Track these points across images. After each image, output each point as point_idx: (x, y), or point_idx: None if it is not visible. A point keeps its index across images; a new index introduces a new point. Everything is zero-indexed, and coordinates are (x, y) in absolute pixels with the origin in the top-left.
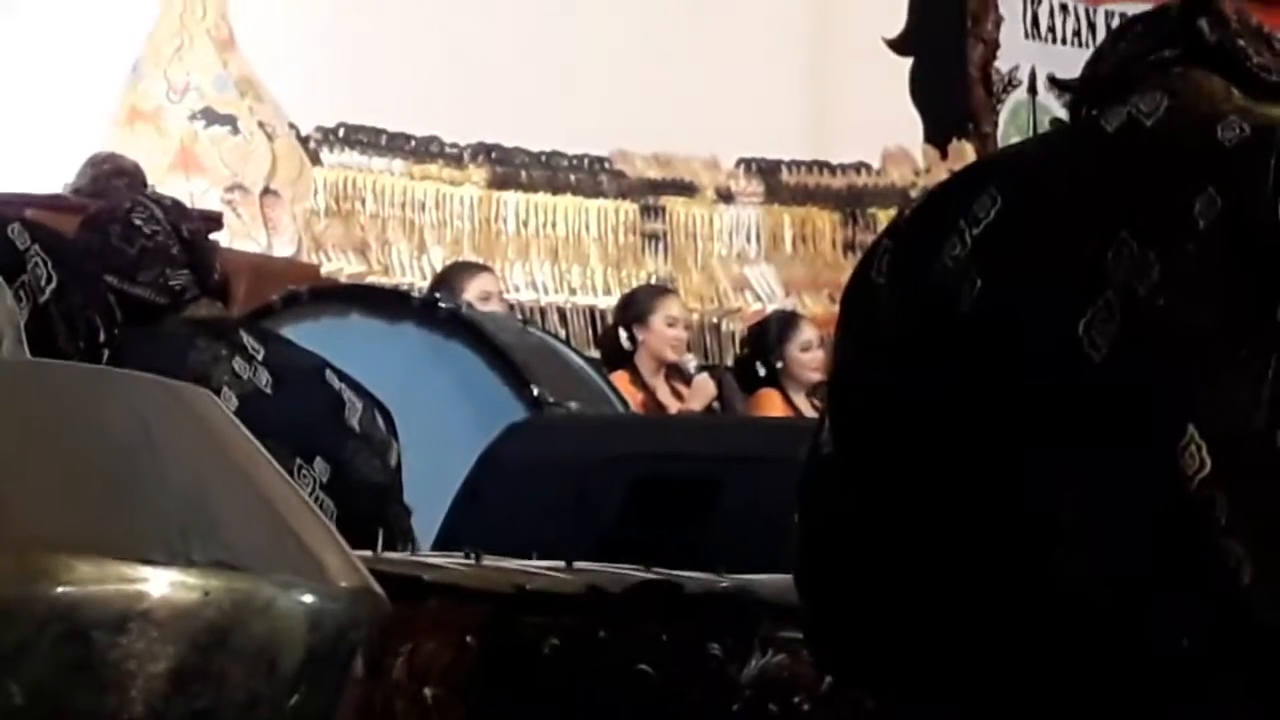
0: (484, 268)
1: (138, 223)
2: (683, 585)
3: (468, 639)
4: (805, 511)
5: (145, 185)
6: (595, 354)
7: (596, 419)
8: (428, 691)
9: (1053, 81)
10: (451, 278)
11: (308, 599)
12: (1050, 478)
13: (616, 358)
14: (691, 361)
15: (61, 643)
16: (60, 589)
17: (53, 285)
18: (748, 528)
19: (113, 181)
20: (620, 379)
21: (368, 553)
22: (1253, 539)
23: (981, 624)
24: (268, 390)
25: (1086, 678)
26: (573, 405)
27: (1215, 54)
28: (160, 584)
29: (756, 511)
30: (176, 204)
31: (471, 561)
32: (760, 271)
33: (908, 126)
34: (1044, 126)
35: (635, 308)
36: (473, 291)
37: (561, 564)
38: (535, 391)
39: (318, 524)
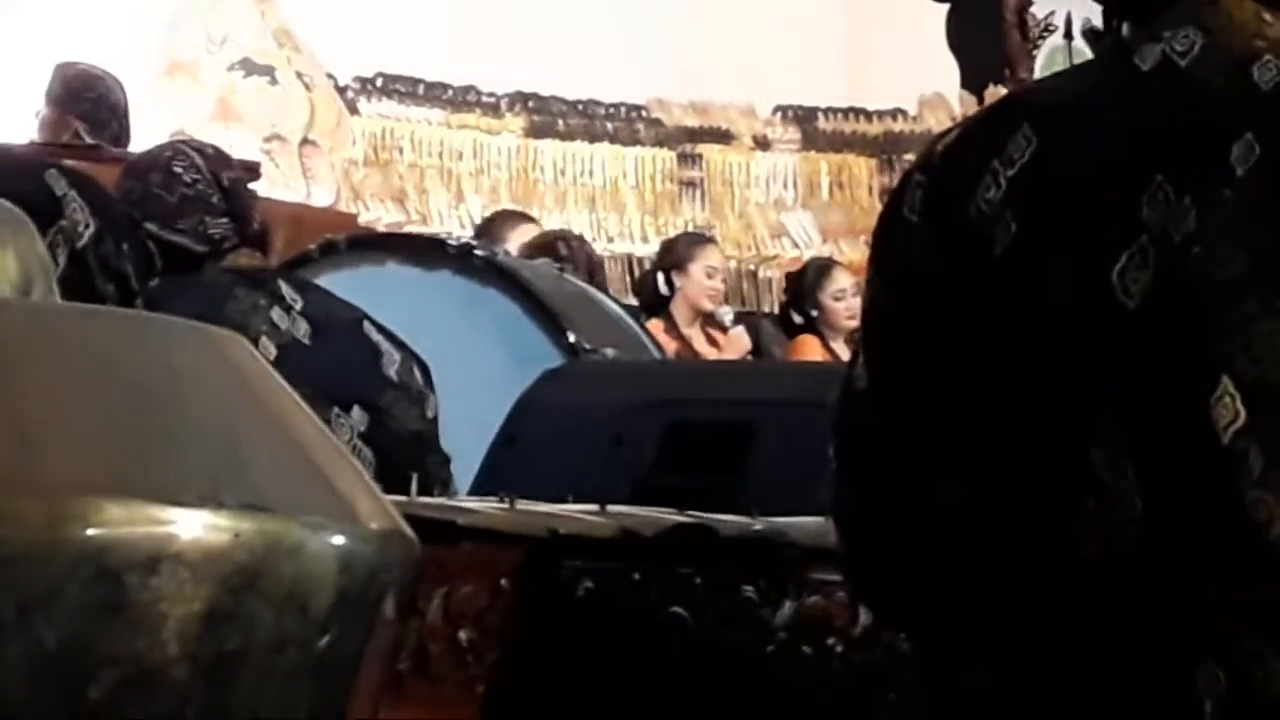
0: (528, 217)
1: (178, 170)
2: (716, 528)
3: (502, 582)
4: (840, 445)
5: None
6: (633, 301)
7: (632, 365)
8: (463, 635)
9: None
10: (494, 227)
11: (338, 541)
12: (1083, 426)
13: (653, 303)
14: (728, 313)
15: (92, 585)
16: (91, 531)
17: (90, 231)
18: (783, 472)
19: (84, 95)
20: (655, 327)
21: (402, 498)
22: None
23: (1013, 566)
24: (306, 340)
25: (1117, 628)
26: (609, 352)
27: None
28: (191, 526)
29: (792, 455)
30: (217, 152)
31: (506, 505)
32: (797, 218)
33: (944, 73)
34: None
35: (675, 254)
36: (515, 241)
37: (595, 507)
38: (572, 338)
39: (349, 468)
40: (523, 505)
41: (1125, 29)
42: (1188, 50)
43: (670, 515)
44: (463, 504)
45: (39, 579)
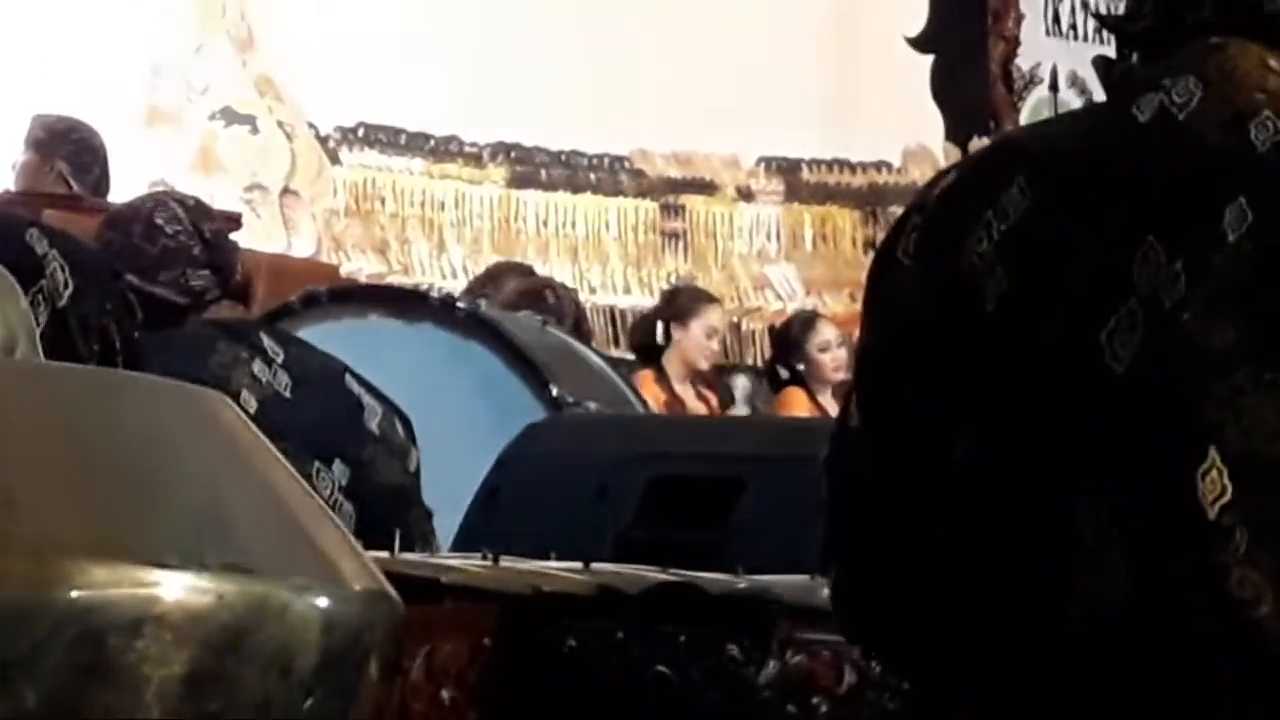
0: (528, 270)
1: (159, 222)
2: (700, 586)
3: (485, 640)
4: (832, 484)
5: (96, 150)
6: (616, 353)
7: (615, 418)
8: (445, 693)
9: (1094, 16)
10: (495, 279)
11: (322, 602)
12: (1070, 488)
13: (647, 350)
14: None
15: (76, 645)
16: (75, 592)
17: (70, 291)
18: (768, 526)
19: (67, 138)
20: (646, 378)
21: (385, 554)
22: (1272, 570)
23: (999, 618)
24: (287, 394)
25: (1098, 697)
26: (592, 405)
27: (1252, 16)
28: (174, 587)
29: (777, 510)
30: (198, 204)
31: (489, 563)
32: (781, 270)
33: (929, 124)
34: None
35: (677, 307)
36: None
37: (578, 565)
38: (554, 391)
39: (332, 527)
40: (506, 562)
41: (1134, 59)
42: (1186, 103)
43: (653, 574)
44: (446, 561)
45: (22, 639)
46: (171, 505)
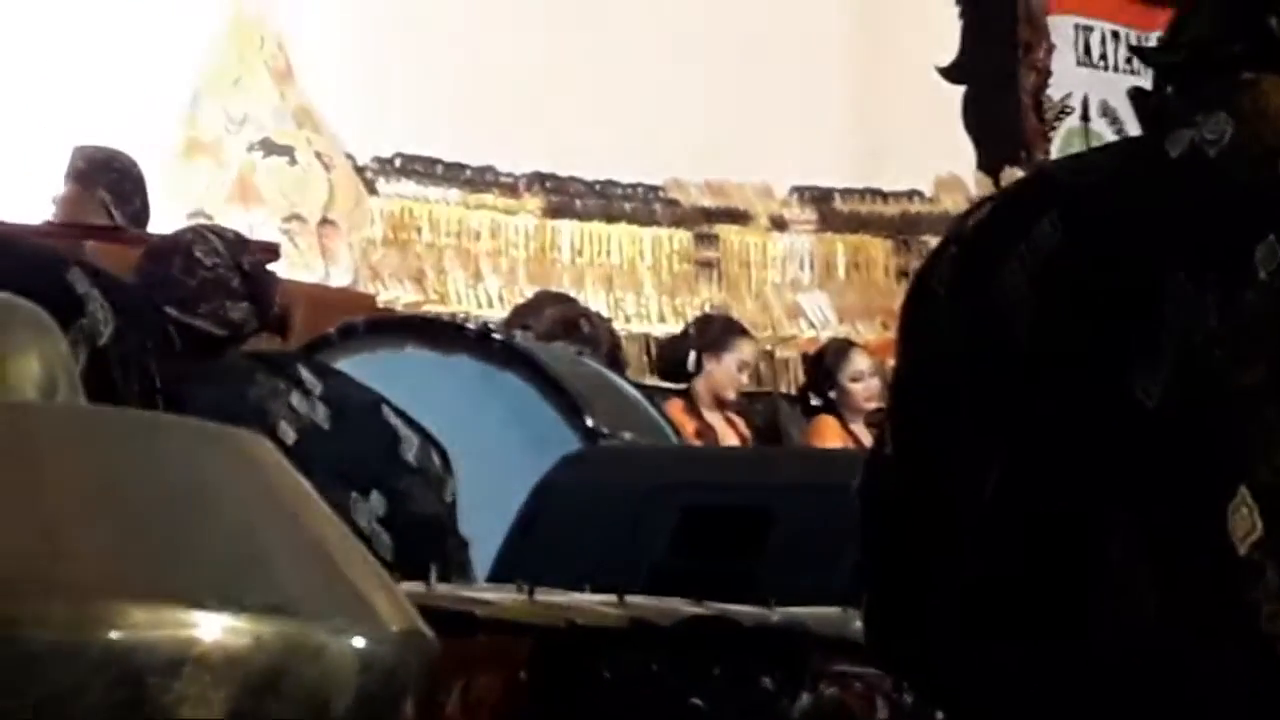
0: (567, 298)
1: (198, 255)
2: (734, 619)
3: (520, 673)
4: (866, 512)
5: (137, 180)
6: (650, 381)
7: (650, 450)
8: None
9: (1130, 49)
10: (536, 308)
11: (358, 643)
12: (1101, 522)
13: (676, 376)
14: None
15: (115, 687)
16: (115, 634)
17: (110, 329)
18: (801, 557)
19: (109, 168)
20: (675, 406)
21: (421, 587)
22: None
23: (1029, 647)
24: (325, 425)
25: None
26: (626, 435)
27: None
28: (213, 629)
29: (810, 540)
30: (237, 237)
31: (524, 596)
32: (814, 299)
33: (960, 154)
34: None
35: (712, 337)
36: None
37: (613, 597)
38: (589, 422)
39: (368, 566)
40: (541, 595)
41: (1169, 91)
42: (1217, 139)
43: (687, 606)
44: (481, 595)
45: (63, 680)
46: (210, 546)
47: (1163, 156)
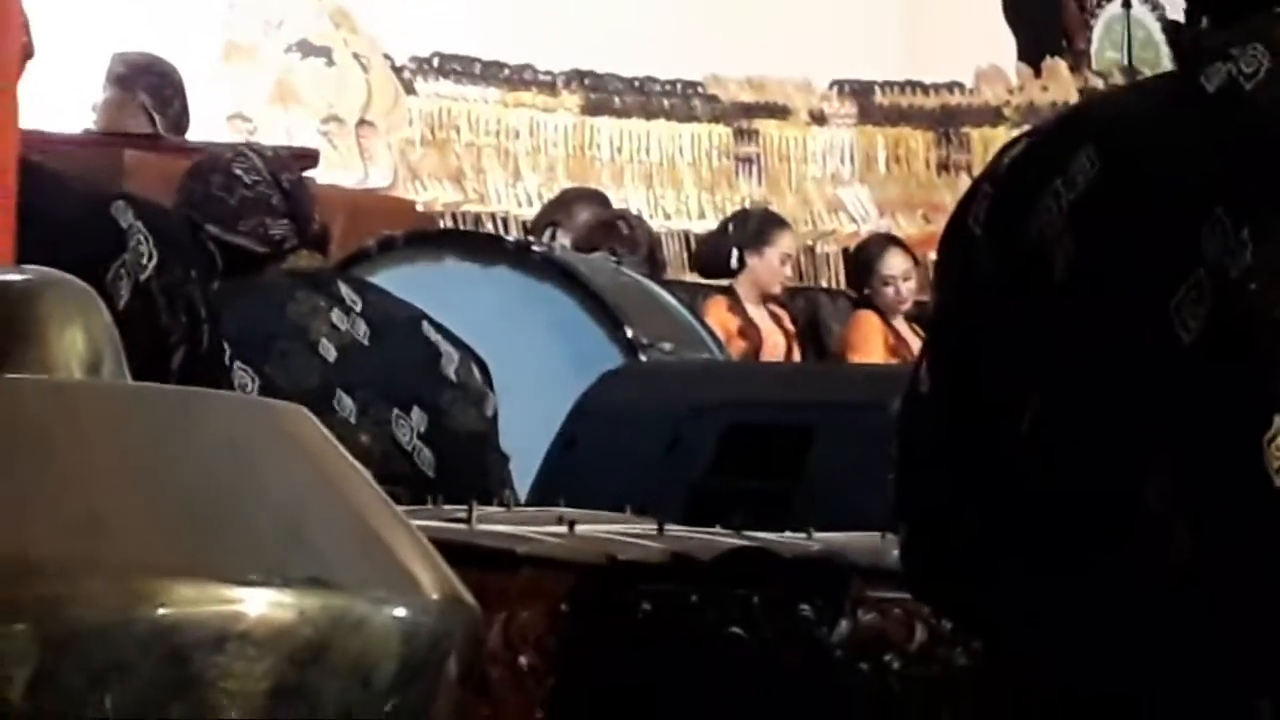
0: (601, 197)
1: (238, 172)
2: (772, 550)
3: (561, 606)
4: (903, 448)
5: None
6: (689, 278)
7: (689, 366)
8: (523, 659)
9: None
10: (567, 205)
11: (401, 613)
12: (1137, 456)
13: (717, 272)
14: None
15: (162, 664)
16: (161, 611)
17: (154, 262)
18: (842, 475)
19: (149, 72)
20: (718, 304)
21: (463, 525)
22: None
23: (1066, 581)
24: (365, 342)
25: (1164, 658)
26: (666, 346)
27: None
28: (257, 604)
29: (851, 459)
30: (276, 154)
31: (565, 530)
32: (854, 193)
33: (1001, 45)
34: (1138, 41)
35: (751, 231)
36: (584, 218)
37: (653, 528)
38: (629, 333)
39: (409, 537)
40: (581, 528)
41: (1204, 23)
42: (1254, 73)
43: (726, 538)
44: (522, 532)
45: (109, 657)
46: (253, 521)
47: (1199, 90)
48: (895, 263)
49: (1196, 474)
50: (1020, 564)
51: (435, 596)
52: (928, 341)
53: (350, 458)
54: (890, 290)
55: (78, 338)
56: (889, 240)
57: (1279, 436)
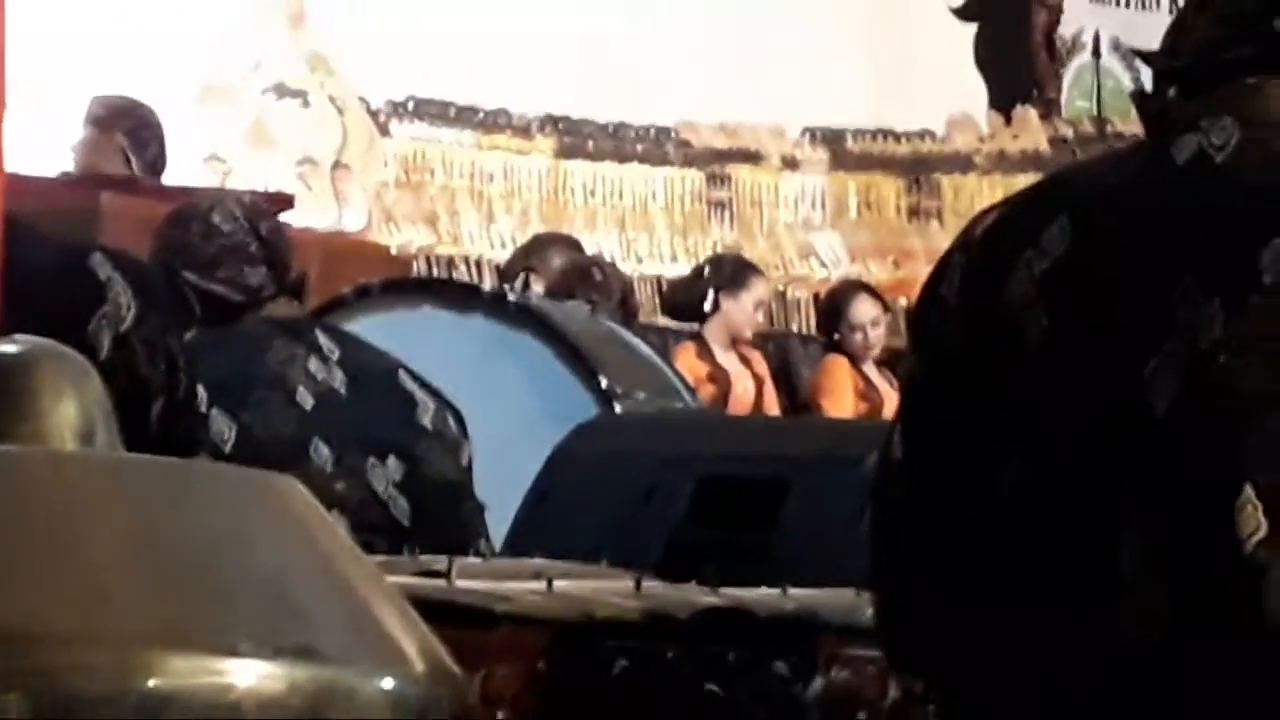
0: (572, 241)
1: (216, 220)
2: (748, 609)
3: (539, 664)
4: (876, 516)
5: (155, 127)
6: (661, 322)
7: (666, 417)
8: (500, 716)
9: (1130, 51)
10: (538, 250)
11: (388, 685)
12: (1112, 524)
13: (688, 316)
14: None
15: None
16: (154, 682)
17: (133, 314)
18: (816, 528)
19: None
20: (687, 350)
21: (442, 582)
22: None
23: (1040, 651)
24: (342, 391)
25: None
26: (640, 395)
27: None
28: (247, 676)
29: (824, 511)
30: (255, 203)
31: (543, 587)
32: (826, 238)
33: (972, 93)
34: (1108, 90)
35: (727, 275)
36: (559, 263)
37: (630, 585)
38: (604, 382)
39: (397, 607)
40: (559, 585)
41: (1172, 93)
42: (1224, 144)
43: (703, 596)
44: (500, 589)
45: None
46: (245, 594)
47: (1169, 162)
48: (864, 309)
49: (1170, 541)
50: (995, 630)
51: (422, 667)
52: (901, 408)
53: (340, 529)
54: (859, 336)
55: (71, 408)
56: (858, 286)
57: (1249, 504)
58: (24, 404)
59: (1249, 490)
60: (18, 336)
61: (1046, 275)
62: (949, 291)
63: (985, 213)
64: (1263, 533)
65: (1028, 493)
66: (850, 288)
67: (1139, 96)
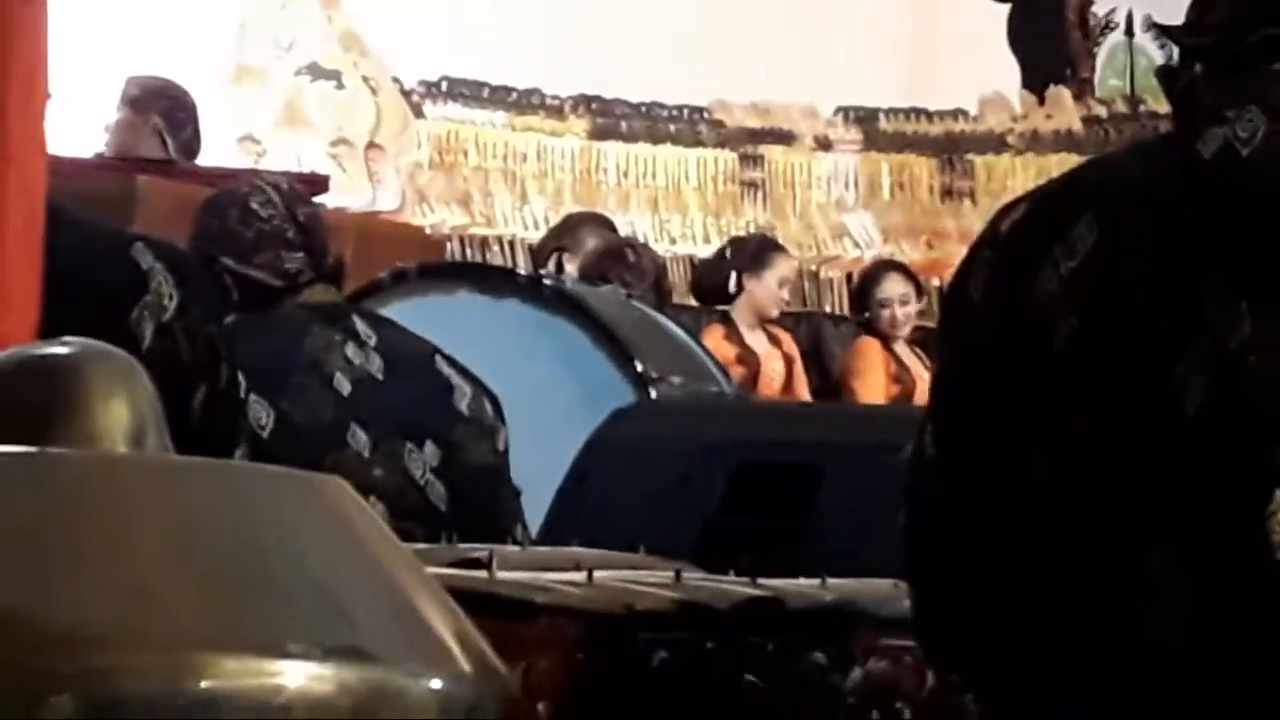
0: (604, 220)
1: (254, 206)
2: (786, 599)
3: (579, 655)
4: (910, 511)
5: (190, 108)
6: (695, 303)
7: (702, 403)
8: (541, 707)
9: (1153, 26)
10: (571, 229)
11: (436, 685)
12: (1140, 527)
13: (715, 298)
14: None
15: None
16: (205, 684)
17: (175, 303)
18: (852, 514)
19: (163, 95)
20: (715, 333)
21: (482, 573)
22: None
23: (1068, 649)
24: (379, 377)
25: None
26: (675, 380)
27: None
28: (297, 677)
29: (861, 498)
30: (292, 188)
31: (582, 578)
32: (858, 219)
33: (1005, 72)
34: (1141, 69)
35: (749, 255)
36: (592, 243)
37: (670, 575)
38: (639, 367)
39: (442, 605)
40: (599, 576)
41: (1198, 70)
42: (1250, 137)
43: (741, 587)
44: (540, 580)
45: None
46: (294, 595)
47: (1196, 158)
48: (893, 286)
49: (1199, 545)
50: (1027, 627)
51: (468, 667)
52: (931, 406)
53: (387, 529)
54: (887, 313)
55: (122, 410)
56: (889, 265)
57: (1278, 511)
58: (75, 406)
59: (1278, 496)
60: (67, 338)
61: (1074, 274)
62: (975, 289)
63: (1011, 206)
64: None
65: (1056, 493)
66: (881, 266)
67: (1164, 72)
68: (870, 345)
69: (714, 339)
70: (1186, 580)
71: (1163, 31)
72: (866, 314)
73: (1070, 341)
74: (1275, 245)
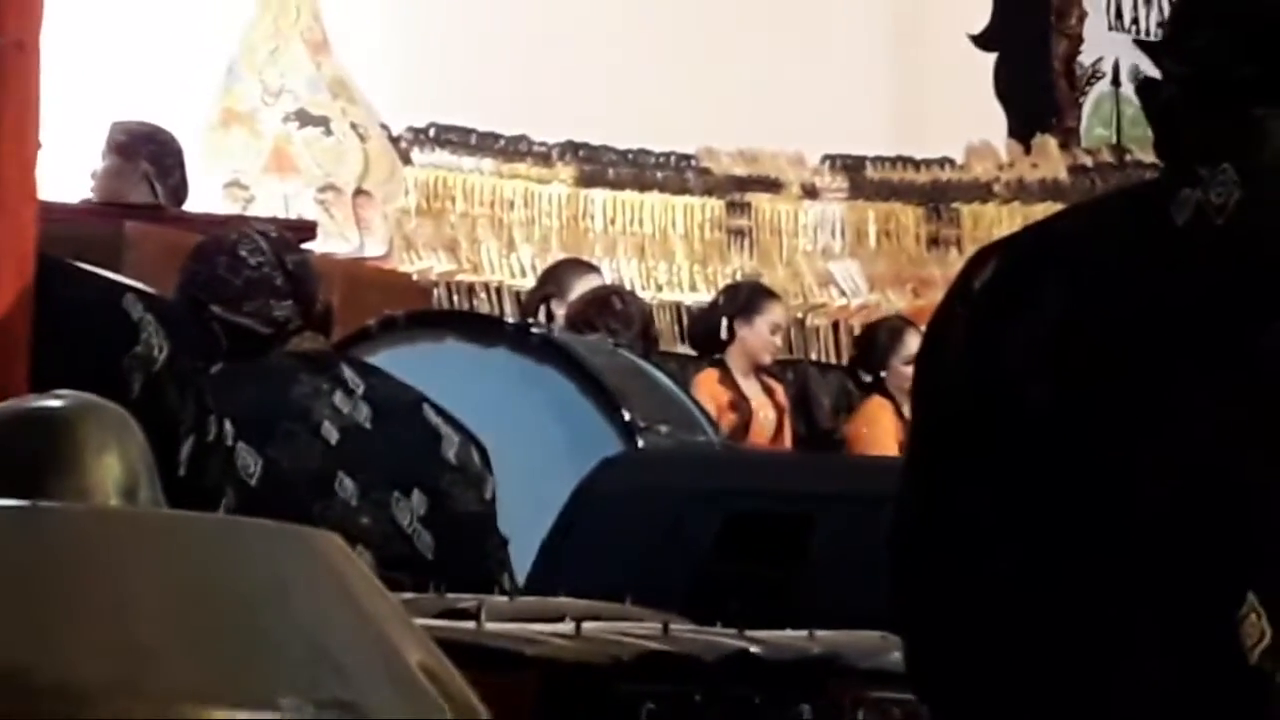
0: (591, 266)
1: (243, 254)
2: (774, 653)
3: (569, 706)
4: (895, 562)
5: (177, 153)
6: (681, 350)
7: (688, 453)
8: None
9: (1137, 43)
10: (558, 276)
11: None
12: (1116, 627)
13: (708, 344)
14: None
15: None
16: None
17: (165, 354)
18: (841, 565)
19: (150, 140)
20: (709, 378)
21: (471, 625)
22: None
23: (1060, 698)
24: (367, 425)
25: None
26: (663, 429)
27: None
28: None
29: (848, 549)
30: (281, 236)
31: (571, 630)
32: (844, 267)
33: (992, 121)
34: (1127, 118)
35: (741, 302)
36: (578, 290)
37: (658, 627)
38: (627, 416)
39: (433, 659)
40: (588, 628)
41: (1174, 90)
42: (1223, 205)
43: (729, 639)
44: (529, 632)
45: None
46: (286, 649)
47: (1168, 224)
48: (914, 343)
49: (1173, 648)
50: (1010, 690)
51: (455, 718)
52: (908, 461)
53: (378, 583)
54: (909, 371)
55: (114, 464)
56: (905, 321)
57: (1251, 613)
58: (67, 459)
59: (1251, 598)
60: (60, 391)
61: (1043, 343)
62: (949, 349)
63: (981, 260)
64: (1266, 642)
65: (1028, 571)
66: (897, 323)
67: (1144, 85)
68: (883, 409)
69: (709, 383)
70: (1162, 686)
71: (1142, 47)
72: (883, 373)
73: (1041, 413)
74: (1248, 324)
